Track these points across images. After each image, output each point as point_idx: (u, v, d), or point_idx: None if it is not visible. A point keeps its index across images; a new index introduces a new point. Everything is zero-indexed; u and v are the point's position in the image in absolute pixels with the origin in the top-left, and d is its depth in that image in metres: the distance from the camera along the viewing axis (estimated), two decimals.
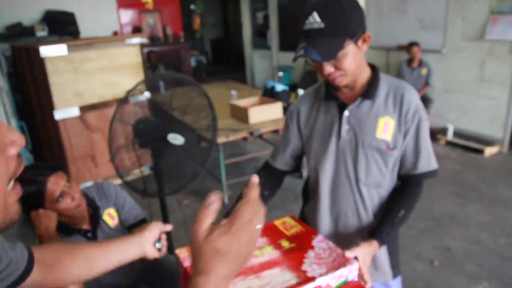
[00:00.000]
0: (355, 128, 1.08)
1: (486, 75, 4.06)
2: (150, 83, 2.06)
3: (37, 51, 3.17)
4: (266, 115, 3.30)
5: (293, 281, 0.82)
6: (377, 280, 1.21)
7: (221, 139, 3.01)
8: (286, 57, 6.73)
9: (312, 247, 0.94)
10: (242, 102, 3.56)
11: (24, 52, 3.84)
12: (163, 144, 1.67)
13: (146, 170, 1.79)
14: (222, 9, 11.56)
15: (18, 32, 5.39)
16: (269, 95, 3.90)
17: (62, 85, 3.30)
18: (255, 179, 0.52)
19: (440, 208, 3.03)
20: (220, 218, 0.51)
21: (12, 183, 0.41)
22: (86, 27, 5.94)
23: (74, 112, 3.42)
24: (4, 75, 4.36)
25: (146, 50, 5.62)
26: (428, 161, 1.10)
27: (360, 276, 0.92)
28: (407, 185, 1.13)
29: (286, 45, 6.79)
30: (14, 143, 0.40)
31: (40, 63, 3.22)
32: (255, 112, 3.27)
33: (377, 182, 1.12)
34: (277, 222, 1.07)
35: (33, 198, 1.26)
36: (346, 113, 1.09)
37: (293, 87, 5.07)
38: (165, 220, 1.94)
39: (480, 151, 4.02)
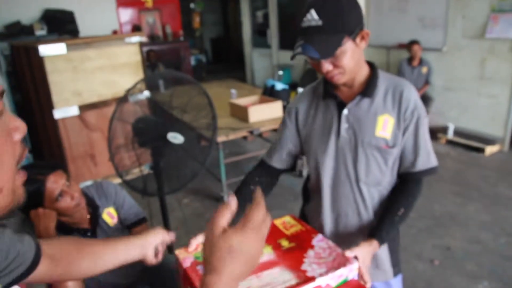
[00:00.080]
0: (354, 127, 1.08)
1: (487, 74, 4.05)
2: (149, 82, 2.05)
3: (36, 50, 3.16)
4: (266, 114, 3.29)
5: (293, 281, 0.81)
6: (378, 279, 1.21)
7: (221, 138, 3.00)
8: (286, 56, 6.72)
9: (312, 247, 0.94)
10: (242, 101, 3.55)
11: (23, 51, 3.83)
12: (163, 143, 1.66)
13: (145, 169, 1.79)
14: (222, 7, 11.54)
15: (17, 31, 5.38)
16: (269, 94, 3.90)
17: (61, 84, 3.29)
18: (260, 193, 0.57)
19: (440, 207, 3.02)
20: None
21: (19, 166, 0.45)
22: (85, 26, 5.92)
23: (74, 111, 3.41)
24: (3, 74, 4.35)
25: (145, 49, 5.61)
26: (427, 159, 1.09)
27: (360, 276, 0.92)
28: (407, 183, 1.12)
29: (286, 43, 6.78)
30: (18, 129, 0.44)
31: (39, 62, 3.21)
32: (255, 111, 3.26)
33: (377, 181, 1.11)
34: (277, 222, 1.06)
35: (32, 197, 1.25)
36: (345, 111, 1.08)
37: (293, 86, 5.06)
38: (165, 219, 1.93)
39: (481, 150, 4.02)
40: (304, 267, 0.86)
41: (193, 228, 2.84)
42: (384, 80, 1.08)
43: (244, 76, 8.04)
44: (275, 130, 4.15)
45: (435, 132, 4.45)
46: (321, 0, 0.94)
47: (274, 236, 0.99)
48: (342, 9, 0.93)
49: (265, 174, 1.23)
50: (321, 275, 0.83)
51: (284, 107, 3.45)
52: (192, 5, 9.83)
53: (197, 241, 0.96)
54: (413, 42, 4.39)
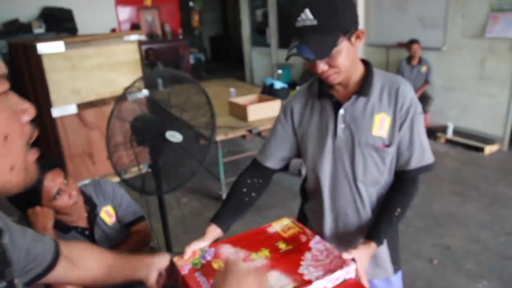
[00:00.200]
0: (351, 126, 1.07)
1: (486, 73, 4.05)
2: (148, 81, 2.04)
3: (34, 48, 3.14)
4: (265, 112, 3.28)
5: (290, 285, 0.81)
6: (379, 277, 1.20)
7: (219, 137, 2.99)
8: (285, 55, 6.71)
9: (309, 249, 0.94)
10: (241, 100, 3.54)
11: (21, 49, 3.81)
12: (161, 142, 1.66)
13: (144, 168, 1.78)
14: (221, 6, 11.52)
15: (15, 29, 5.35)
16: (268, 92, 3.89)
17: (59, 82, 3.27)
18: None
19: (440, 206, 3.02)
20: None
21: (29, 146, 0.47)
22: (84, 24, 5.90)
23: (72, 109, 3.39)
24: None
25: (144, 47, 5.60)
26: (422, 156, 1.08)
27: (357, 278, 0.91)
28: (402, 181, 1.12)
29: (285, 42, 6.77)
30: (26, 111, 0.47)
31: (37, 60, 3.19)
32: (254, 110, 3.25)
33: (375, 180, 1.10)
34: (274, 224, 1.06)
35: (29, 195, 1.24)
36: (341, 111, 1.07)
37: (292, 85, 5.06)
38: (163, 218, 1.92)
39: (480, 149, 4.02)
40: (301, 270, 0.86)
41: (191, 227, 2.83)
42: (379, 78, 1.07)
43: (243, 74, 8.02)
44: None
45: (435, 132, 4.45)
46: None
47: (271, 239, 0.98)
48: (336, 8, 0.92)
49: (257, 175, 1.20)
50: (318, 278, 0.82)
51: None
52: (191, 4, 9.80)
53: (192, 249, 0.95)
54: (413, 41, 4.39)
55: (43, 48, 3.14)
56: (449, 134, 4.32)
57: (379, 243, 1.04)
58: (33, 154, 0.49)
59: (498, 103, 4.01)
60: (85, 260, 0.84)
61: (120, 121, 1.69)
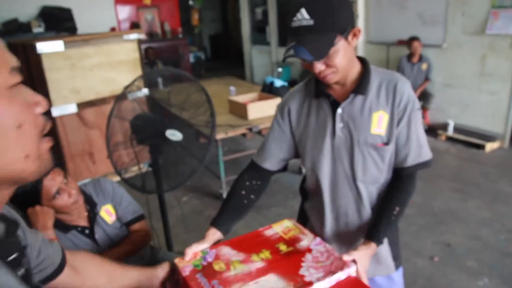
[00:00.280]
0: (349, 126, 1.06)
1: (487, 70, 4.04)
2: (148, 79, 2.03)
3: (34, 47, 3.13)
4: (265, 111, 3.27)
5: (291, 287, 0.81)
6: (380, 274, 1.20)
7: (219, 135, 2.99)
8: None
9: (309, 250, 0.94)
10: (241, 98, 3.54)
11: (20, 48, 3.80)
12: (161, 140, 1.65)
13: (144, 167, 1.78)
14: (221, 4, 11.50)
15: (15, 28, 5.35)
16: (268, 91, 3.88)
17: (59, 81, 3.27)
18: None
19: (440, 204, 3.02)
20: None
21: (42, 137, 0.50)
22: (83, 23, 5.90)
23: (72, 108, 3.39)
24: None
25: (144, 46, 5.58)
26: (419, 152, 1.07)
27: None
28: (400, 179, 1.11)
29: (285, 40, 6.71)
30: (39, 103, 0.49)
31: (36, 59, 3.19)
32: (254, 108, 3.25)
33: (375, 179, 1.10)
34: (275, 226, 1.06)
35: (29, 195, 1.24)
36: (339, 110, 1.06)
37: (292, 83, 5.05)
38: (164, 217, 1.92)
39: (481, 147, 4.01)
40: (302, 271, 0.86)
41: (192, 226, 2.83)
42: (376, 75, 1.06)
43: (243, 73, 8.01)
44: None
45: (435, 129, 4.45)
46: None
47: (272, 241, 0.98)
48: (333, 7, 0.90)
49: (256, 177, 1.19)
50: (318, 280, 0.82)
51: None
52: (191, 2, 9.79)
53: (192, 251, 0.95)
54: (413, 39, 4.38)
55: (42, 47, 3.13)
56: (450, 131, 4.31)
57: (379, 243, 1.03)
58: (47, 142, 0.51)
59: (498, 100, 4.00)
60: (87, 269, 0.85)
61: (120, 120, 1.69)
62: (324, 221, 1.18)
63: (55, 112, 3.31)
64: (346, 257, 0.90)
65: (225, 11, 11.47)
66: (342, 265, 0.87)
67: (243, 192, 1.15)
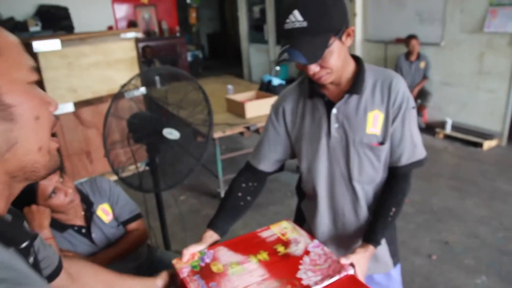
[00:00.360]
0: (344, 126, 1.05)
1: (485, 68, 4.04)
2: (145, 78, 2.02)
3: (30, 46, 3.11)
4: (262, 109, 3.27)
5: None
6: (379, 271, 1.20)
7: (217, 134, 2.98)
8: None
9: (307, 253, 0.93)
10: (238, 97, 3.53)
11: None
12: (159, 139, 1.64)
13: (141, 166, 1.77)
14: (219, 3, 11.47)
15: (11, 27, 5.31)
16: (266, 89, 3.88)
17: (56, 80, 3.25)
18: None
19: (438, 202, 3.02)
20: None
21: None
22: (80, 22, 5.87)
23: (69, 108, 3.37)
24: None
25: (141, 45, 5.56)
26: (413, 151, 1.07)
27: None
28: (395, 179, 1.10)
29: None
30: (51, 103, 0.53)
31: (33, 58, 3.16)
32: (251, 107, 3.24)
33: (371, 178, 1.09)
34: (273, 226, 1.05)
35: (25, 194, 1.23)
36: (334, 111, 1.05)
37: (290, 81, 5.03)
38: (161, 216, 1.91)
39: (479, 145, 4.01)
40: (299, 274, 0.85)
41: (189, 225, 2.82)
42: (371, 74, 1.05)
43: (241, 71, 8.00)
44: None
45: (433, 127, 4.45)
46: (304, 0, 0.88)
47: (270, 242, 0.98)
48: (326, 8, 0.88)
49: (252, 179, 1.19)
50: (316, 283, 0.82)
51: None
52: (188, 1, 9.75)
53: (190, 252, 0.95)
54: (411, 37, 4.37)
55: (39, 46, 3.11)
56: (448, 129, 4.31)
57: (376, 244, 1.03)
58: (55, 142, 0.55)
59: (497, 98, 4.00)
60: (84, 277, 0.84)
61: (117, 119, 1.68)
62: (321, 221, 1.17)
63: None
64: (344, 261, 0.89)
65: (223, 9, 11.45)
66: (340, 269, 0.87)
67: (240, 194, 1.15)
